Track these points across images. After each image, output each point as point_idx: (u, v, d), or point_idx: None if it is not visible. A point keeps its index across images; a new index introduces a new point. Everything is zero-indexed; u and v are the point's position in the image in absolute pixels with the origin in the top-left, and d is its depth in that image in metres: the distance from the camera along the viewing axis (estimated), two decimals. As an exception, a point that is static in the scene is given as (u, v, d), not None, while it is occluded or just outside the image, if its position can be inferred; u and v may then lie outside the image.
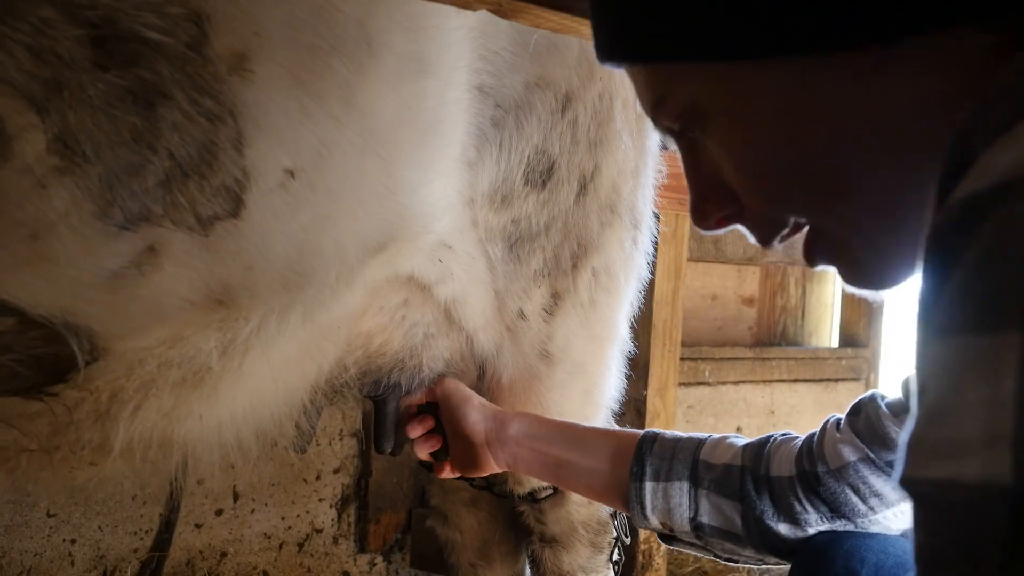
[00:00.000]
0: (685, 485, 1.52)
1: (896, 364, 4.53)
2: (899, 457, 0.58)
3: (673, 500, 1.52)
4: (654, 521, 1.55)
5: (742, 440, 1.54)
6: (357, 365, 1.66)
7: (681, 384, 3.54)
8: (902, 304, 4.46)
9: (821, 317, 4.45)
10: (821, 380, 4.27)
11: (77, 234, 1.11)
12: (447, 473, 1.88)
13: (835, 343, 4.48)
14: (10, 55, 1.02)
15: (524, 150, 1.60)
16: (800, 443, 1.47)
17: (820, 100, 0.79)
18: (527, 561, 2.21)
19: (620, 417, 2.96)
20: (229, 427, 1.42)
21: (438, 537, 2.24)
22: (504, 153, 1.58)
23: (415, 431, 1.86)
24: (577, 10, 1.35)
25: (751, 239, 0.93)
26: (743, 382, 4.02)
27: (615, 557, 2.13)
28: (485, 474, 1.82)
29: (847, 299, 4.41)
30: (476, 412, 1.78)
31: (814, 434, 1.45)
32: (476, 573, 2.20)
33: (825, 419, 1.47)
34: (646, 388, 3.02)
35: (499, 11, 1.31)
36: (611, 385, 2.01)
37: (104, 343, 1.20)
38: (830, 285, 4.47)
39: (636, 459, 1.57)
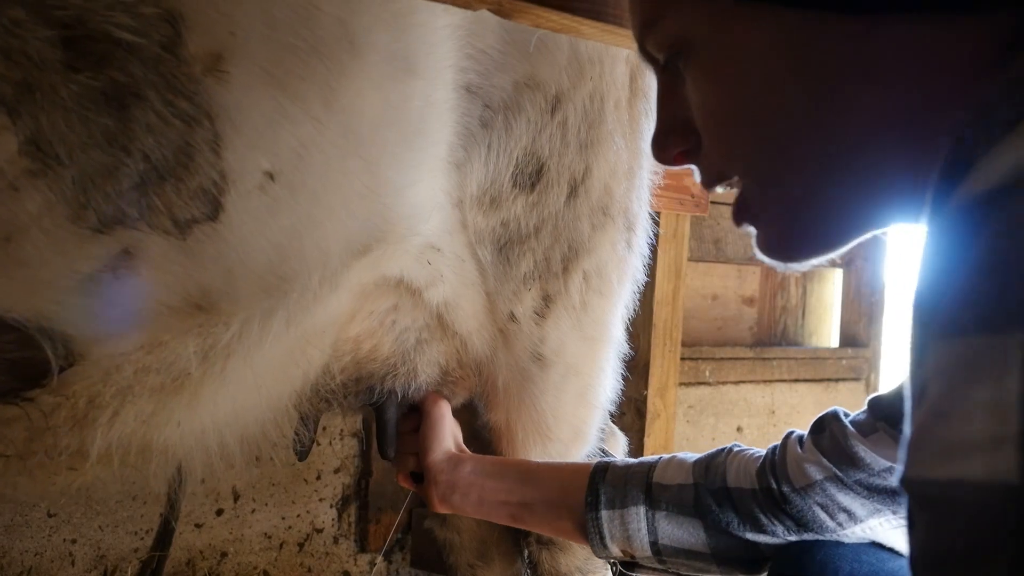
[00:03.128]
0: (641, 509, 1.51)
1: (896, 364, 4.52)
2: (900, 458, 0.58)
3: (631, 526, 1.51)
4: (614, 549, 1.55)
5: (692, 457, 1.54)
6: (345, 372, 1.65)
7: (681, 384, 3.53)
8: (903, 304, 4.45)
9: (822, 317, 4.44)
10: (822, 380, 4.26)
11: (50, 237, 1.09)
12: (403, 481, 1.88)
13: (835, 343, 4.48)
14: (-22, 57, 1.01)
15: (513, 151, 1.59)
16: (760, 457, 1.46)
17: (805, 56, 0.79)
18: (526, 561, 2.20)
19: (620, 417, 2.97)
20: (212, 433, 1.41)
21: (436, 538, 2.24)
22: (493, 154, 1.56)
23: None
24: (577, 10, 1.35)
25: (697, 178, 0.94)
26: (744, 382, 4.01)
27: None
28: (432, 509, 1.81)
29: (847, 299, 4.41)
30: (436, 451, 1.77)
31: (775, 448, 1.45)
32: (475, 573, 2.19)
33: (785, 434, 1.46)
34: (646, 388, 3.02)
35: (499, 11, 1.30)
36: (606, 387, 1.99)
37: (79, 348, 1.19)
38: (831, 285, 4.46)
39: (590, 489, 1.57)
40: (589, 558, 2.08)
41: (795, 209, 0.84)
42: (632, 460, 1.60)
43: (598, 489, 1.56)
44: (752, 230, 0.90)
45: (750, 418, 4.06)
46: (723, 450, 1.51)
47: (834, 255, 0.87)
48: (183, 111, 1.12)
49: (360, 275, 1.47)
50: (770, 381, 4.10)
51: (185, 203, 1.16)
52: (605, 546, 1.55)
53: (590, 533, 1.55)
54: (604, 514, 1.54)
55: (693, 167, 0.93)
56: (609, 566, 2.12)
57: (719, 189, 0.93)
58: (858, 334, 4.39)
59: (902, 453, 0.57)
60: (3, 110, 1.02)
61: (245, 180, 1.21)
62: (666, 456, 1.57)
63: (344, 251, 1.39)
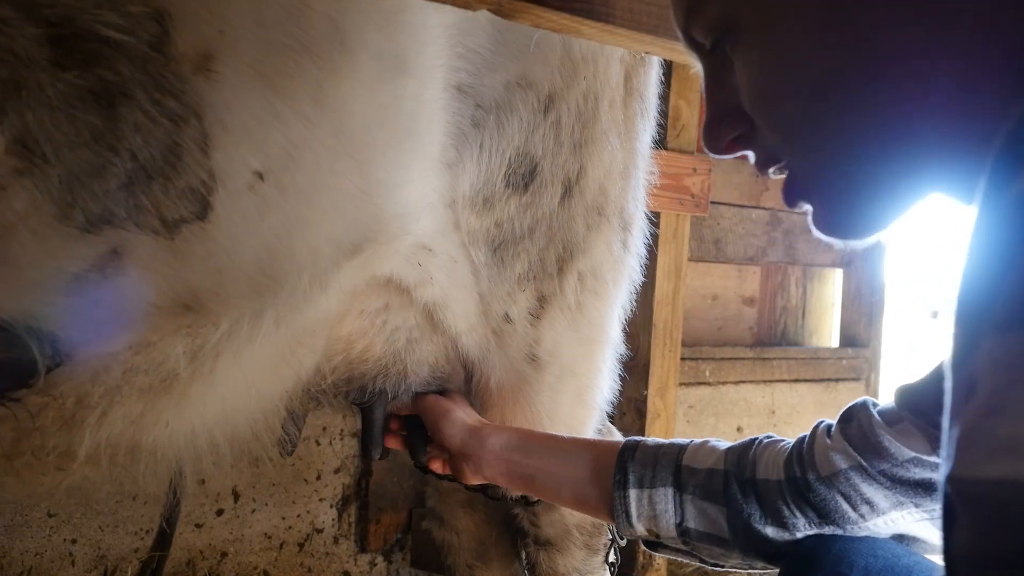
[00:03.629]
0: (670, 491, 1.51)
1: (897, 364, 4.52)
2: (946, 454, 0.56)
3: (659, 506, 1.51)
4: (640, 528, 1.54)
5: (724, 444, 1.53)
6: (337, 372, 1.65)
7: (682, 384, 3.53)
8: (903, 304, 4.45)
9: (822, 317, 4.44)
10: (822, 380, 4.25)
11: (37, 236, 1.09)
12: (438, 467, 1.90)
13: (836, 343, 4.47)
14: (-35, 55, 1.00)
15: (505, 151, 1.58)
16: (789, 448, 1.45)
17: (855, 30, 0.79)
18: (524, 562, 2.20)
19: (621, 417, 2.96)
20: (201, 434, 1.41)
21: (435, 539, 2.24)
22: (485, 154, 1.56)
23: (389, 442, 1.90)
24: (577, 10, 1.34)
25: (751, 160, 0.93)
26: (744, 382, 4.01)
27: (611, 559, 2.12)
28: (466, 483, 1.84)
29: (847, 299, 4.40)
30: (452, 426, 1.78)
31: (804, 439, 1.44)
32: (473, 574, 2.19)
33: (815, 424, 1.45)
34: (647, 388, 3.01)
35: (499, 11, 1.29)
36: (603, 388, 1.99)
37: (67, 348, 1.18)
38: (831, 285, 4.46)
39: (619, 467, 1.56)
40: (587, 559, 2.08)
41: (849, 185, 0.84)
42: (663, 440, 1.60)
43: (627, 468, 1.55)
44: (808, 207, 0.90)
45: (750, 418, 4.06)
46: (755, 440, 1.50)
47: (889, 230, 0.87)
48: (171, 110, 1.12)
49: (351, 275, 1.47)
50: (770, 381, 4.09)
51: (173, 203, 1.16)
52: (631, 524, 1.54)
53: (616, 511, 1.55)
54: (632, 493, 1.54)
55: (749, 153, 0.93)
56: (607, 567, 2.12)
57: (772, 175, 0.93)
58: (858, 334, 4.38)
59: (947, 450, 0.56)
60: (-11, 109, 1.02)
61: (234, 180, 1.21)
62: (698, 440, 1.56)
63: (334, 251, 1.39)
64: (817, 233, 0.90)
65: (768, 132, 0.88)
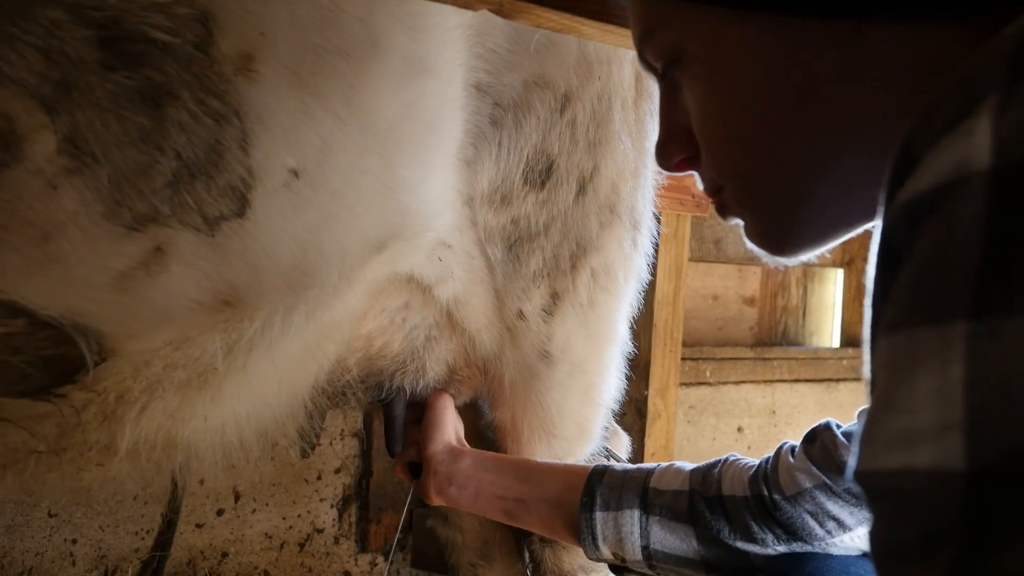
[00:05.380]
0: (636, 513, 1.53)
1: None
2: (852, 452, 0.58)
3: (624, 529, 1.53)
4: (605, 551, 1.57)
5: (689, 466, 1.56)
6: (358, 366, 1.67)
7: (682, 384, 3.55)
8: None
9: (822, 317, 4.46)
10: (822, 380, 4.27)
11: (86, 235, 1.11)
12: (400, 471, 1.91)
13: (836, 343, 4.49)
14: (21, 56, 1.03)
15: (523, 149, 1.61)
16: (754, 467, 1.48)
17: (790, 61, 0.81)
18: (528, 561, 2.21)
19: (621, 417, 2.98)
20: (232, 428, 1.43)
21: (438, 537, 2.25)
22: (503, 152, 1.59)
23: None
24: (578, 10, 1.36)
25: (700, 186, 0.96)
26: (744, 382, 4.02)
27: (615, 557, 2.13)
28: (427, 502, 1.84)
29: (848, 299, 4.42)
30: (437, 442, 1.80)
31: (768, 459, 1.47)
32: (476, 573, 2.20)
33: (778, 446, 1.48)
34: (647, 388, 3.03)
35: (500, 11, 1.31)
36: (611, 385, 2.01)
37: (112, 344, 1.20)
38: (831, 285, 4.48)
39: (586, 491, 1.59)
40: (591, 556, 2.09)
41: (785, 206, 0.86)
42: (630, 466, 1.62)
43: (594, 491, 1.57)
44: (740, 221, 0.92)
45: (751, 418, 4.07)
46: (720, 460, 1.53)
47: (824, 251, 0.90)
48: (214, 110, 1.15)
49: (376, 271, 1.50)
50: (771, 381, 4.11)
51: (215, 200, 1.18)
52: (597, 547, 1.56)
53: (583, 533, 1.57)
54: (599, 515, 1.55)
55: (695, 173, 0.96)
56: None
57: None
58: (859, 334, 4.38)
59: (854, 447, 0.58)
60: (42, 109, 1.05)
61: (271, 177, 1.24)
62: (664, 464, 1.59)
63: (362, 246, 1.41)
64: (750, 245, 0.92)
65: (708, 157, 0.91)
